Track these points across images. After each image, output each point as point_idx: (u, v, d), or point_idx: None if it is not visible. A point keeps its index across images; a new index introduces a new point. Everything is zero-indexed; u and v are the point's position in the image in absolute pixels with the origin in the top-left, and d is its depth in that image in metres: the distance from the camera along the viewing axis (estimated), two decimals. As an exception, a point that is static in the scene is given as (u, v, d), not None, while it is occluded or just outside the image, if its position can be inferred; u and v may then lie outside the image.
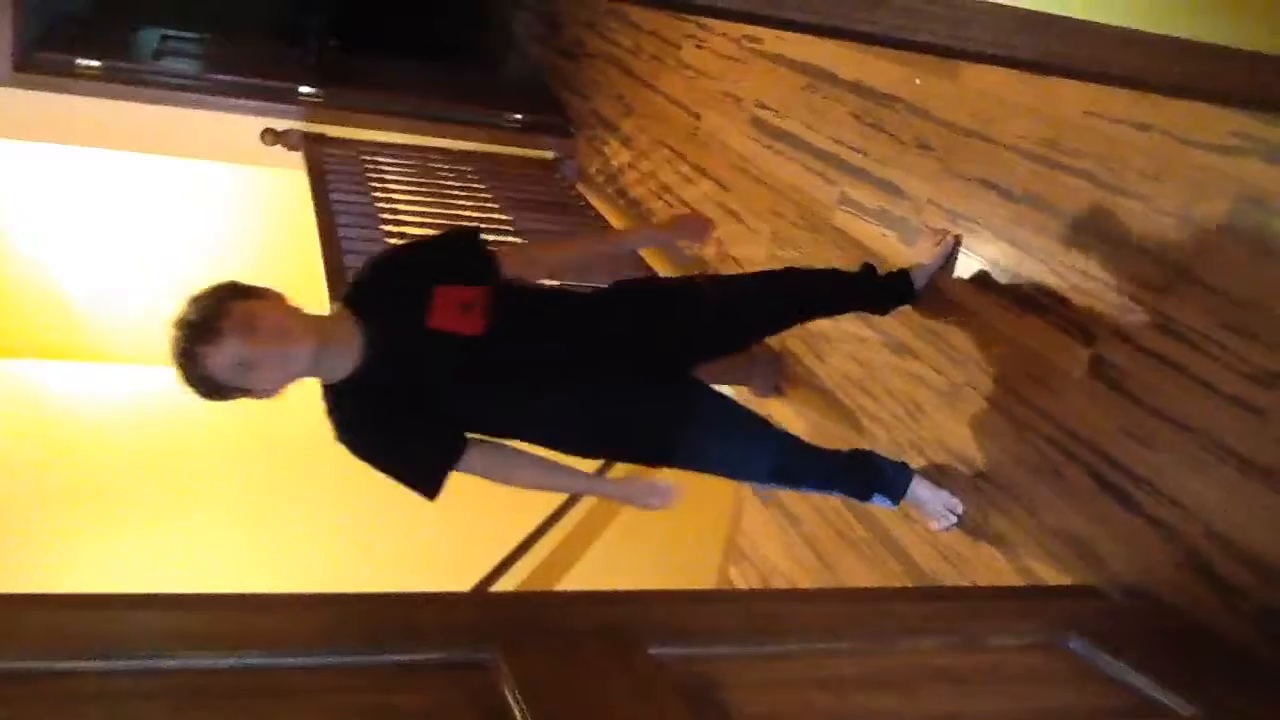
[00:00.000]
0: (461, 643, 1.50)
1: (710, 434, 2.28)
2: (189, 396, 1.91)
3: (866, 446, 2.85)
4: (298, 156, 4.99)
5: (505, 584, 3.94)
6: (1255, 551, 1.86)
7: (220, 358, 1.84)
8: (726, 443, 2.30)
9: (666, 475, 2.30)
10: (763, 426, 2.40)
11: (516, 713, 1.36)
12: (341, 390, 2.04)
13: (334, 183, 4.54)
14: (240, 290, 1.94)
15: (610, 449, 2.38)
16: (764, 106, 3.68)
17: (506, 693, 1.39)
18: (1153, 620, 1.98)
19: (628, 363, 2.25)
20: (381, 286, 2.14)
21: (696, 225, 2.52)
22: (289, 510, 4.58)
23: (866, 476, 2.55)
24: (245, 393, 1.92)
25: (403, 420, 2.07)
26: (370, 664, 1.44)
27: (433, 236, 2.40)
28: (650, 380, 2.28)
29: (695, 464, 2.31)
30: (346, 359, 2.00)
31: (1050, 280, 2.37)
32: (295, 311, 1.99)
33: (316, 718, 1.31)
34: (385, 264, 2.22)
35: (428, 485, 2.10)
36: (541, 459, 2.22)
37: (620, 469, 2.80)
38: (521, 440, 2.19)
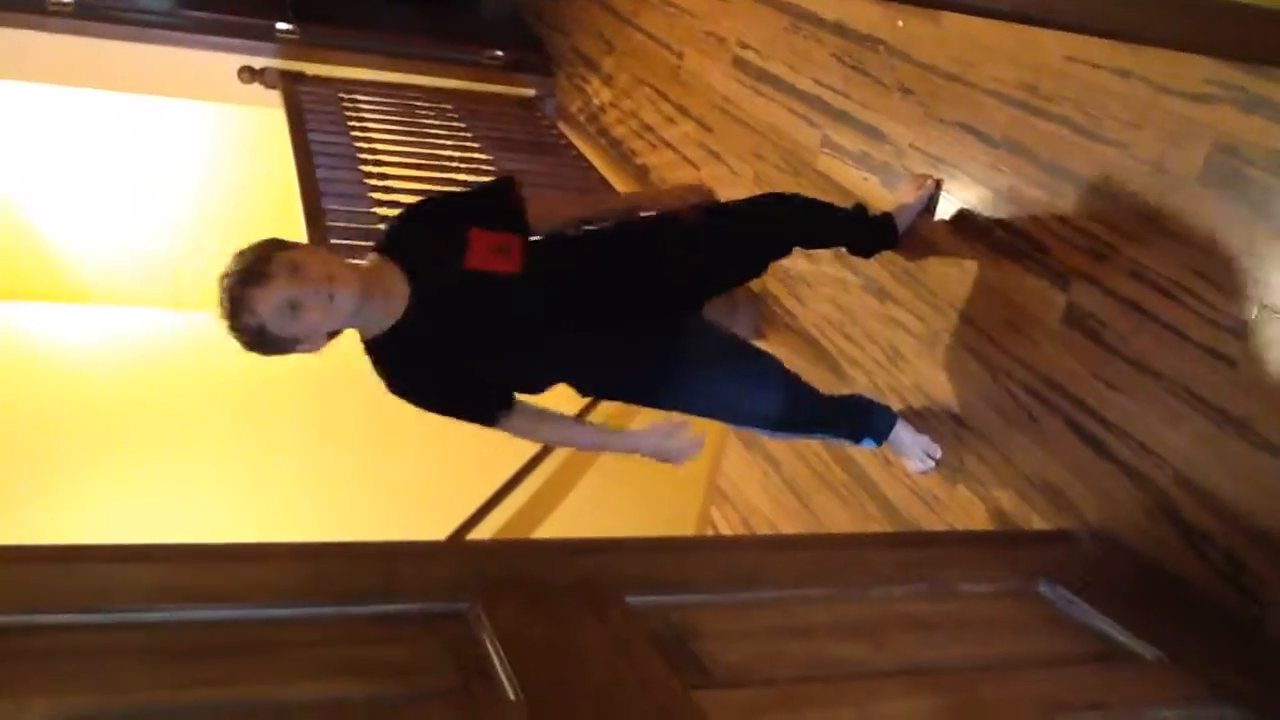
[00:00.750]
0: (441, 593, 1.52)
1: (728, 377, 2.34)
2: (237, 347, 1.94)
3: (844, 390, 2.87)
4: (276, 95, 4.92)
5: (484, 529, 3.96)
6: (1223, 499, 1.90)
7: (269, 300, 1.87)
8: (737, 394, 2.33)
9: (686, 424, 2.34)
10: (775, 373, 2.42)
11: (496, 663, 1.38)
12: (387, 342, 2.06)
13: (312, 122, 4.49)
14: (283, 242, 1.97)
15: (635, 391, 2.40)
16: (746, 46, 3.64)
17: (486, 643, 1.42)
18: (1122, 566, 2.02)
19: (656, 301, 2.30)
20: (416, 235, 2.16)
21: (703, 193, 2.54)
22: (266, 455, 4.59)
23: (859, 420, 2.58)
24: (293, 344, 1.95)
25: (454, 369, 2.11)
26: (351, 615, 1.46)
27: (465, 189, 2.43)
28: (675, 319, 2.34)
29: (706, 408, 2.37)
30: (392, 308, 2.03)
31: (1028, 226, 2.37)
32: (338, 258, 2.03)
33: (298, 670, 1.33)
34: (418, 213, 2.25)
35: (488, 420, 2.17)
36: (572, 419, 2.31)
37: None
38: (557, 382, 2.25)
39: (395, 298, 2.03)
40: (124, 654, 1.29)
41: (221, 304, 1.91)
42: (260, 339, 1.92)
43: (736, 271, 2.61)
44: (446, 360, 2.10)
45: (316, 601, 1.45)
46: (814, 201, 2.74)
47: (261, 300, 1.87)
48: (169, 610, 1.37)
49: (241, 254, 1.93)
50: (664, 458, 2.28)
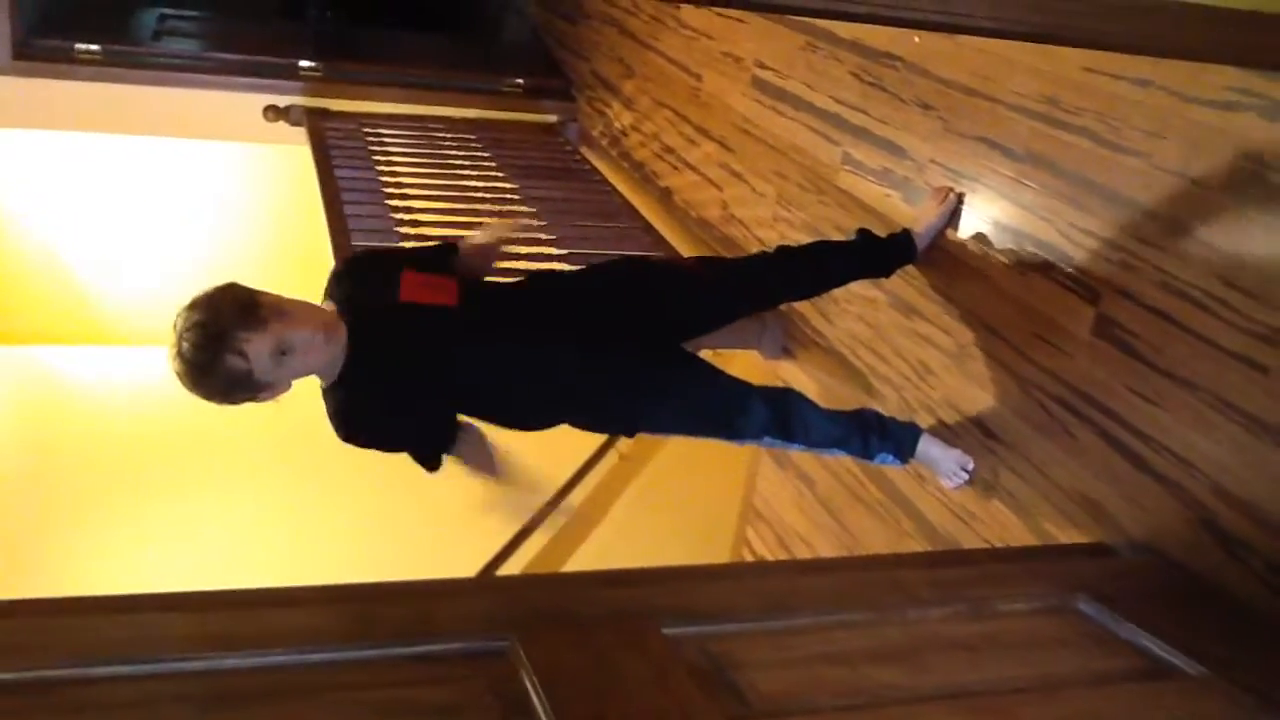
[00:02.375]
0: (478, 631, 1.53)
1: (676, 402, 2.38)
2: (194, 395, 1.97)
3: (875, 407, 2.86)
4: (301, 132, 4.98)
5: (516, 562, 3.97)
6: (1262, 508, 1.88)
7: (263, 344, 1.90)
8: (695, 409, 2.37)
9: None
10: (744, 391, 2.42)
11: (535, 700, 1.39)
12: (336, 389, 2.12)
13: (337, 158, 4.54)
14: (244, 287, 2.01)
15: (576, 417, 2.41)
16: (764, 66, 3.65)
17: (525, 679, 1.42)
18: (1162, 578, 2.00)
19: (601, 332, 2.32)
20: (352, 279, 2.24)
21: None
22: (292, 493, 4.63)
23: (870, 435, 2.57)
24: (263, 390, 1.99)
25: (398, 409, 2.17)
26: (388, 657, 1.47)
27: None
28: (626, 351, 2.35)
29: (668, 430, 2.41)
30: (339, 351, 2.08)
31: (1054, 239, 2.37)
32: (310, 303, 2.09)
33: (339, 713, 1.35)
34: (354, 261, 2.40)
35: (430, 465, 2.27)
36: None
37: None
38: (493, 419, 2.29)
39: (343, 341, 2.08)
40: (169, 703, 1.31)
41: (198, 347, 1.90)
42: (238, 384, 1.94)
43: (708, 321, 2.63)
44: (390, 402, 2.15)
45: (355, 644, 1.47)
46: (809, 252, 2.76)
47: (255, 343, 1.89)
48: (211, 659, 1.39)
49: (212, 298, 1.95)
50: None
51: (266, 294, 1.99)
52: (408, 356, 2.15)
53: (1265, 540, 1.87)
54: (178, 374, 1.96)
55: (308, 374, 2.07)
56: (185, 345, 1.92)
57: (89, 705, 1.29)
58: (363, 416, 2.16)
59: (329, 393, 2.14)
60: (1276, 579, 1.84)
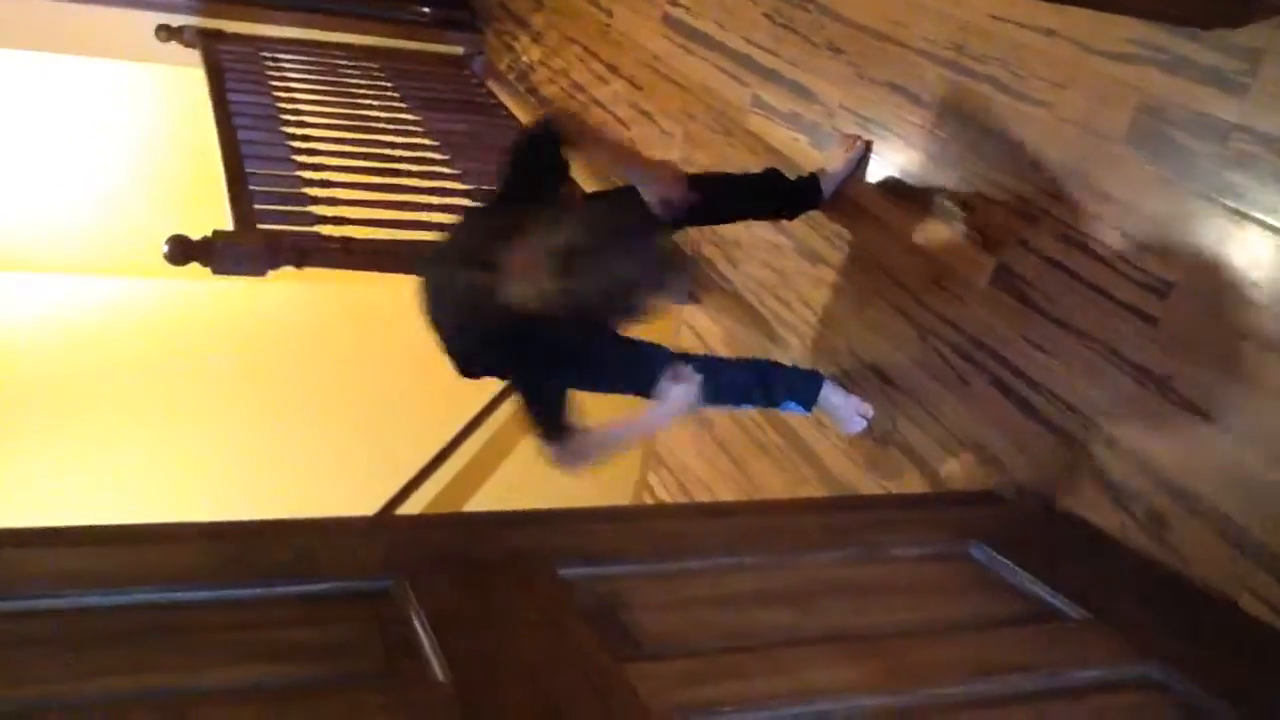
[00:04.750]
0: (366, 571, 1.49)
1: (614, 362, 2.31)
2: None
3: (779, 353, 2.87)
4: (195, 54, 4.77)
5: (415, 503, 3.91)
6: (1148, 458, 1.92)
7: None
8: (628, 369, 2.31)
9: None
10: (661, 352, 2.40)
11: (424, 641, 1.35)
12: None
13: (232, 81, 4.35)
14: None
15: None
16: (676, 4, 3.59)
17: (414, 621, 1.39)
18: (1050, 525, 2.04)
19: None
20: None
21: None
22: (195, 428, 4.49)
23: (777, 385, 2.57)
24: None
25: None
26: (269, 596, 1.42)
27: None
28: None
29: (609, 386, 2.35)
30: None
31: (957, 187, 2.37)
32: None
33: (212, 655, 1.29)
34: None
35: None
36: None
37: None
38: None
39: None
40: (28, 644, 1.24)
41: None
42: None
43: None
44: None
45: (232, 583, 1.41)
46: (721, 178, 2.72)
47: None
48: (74, 596, 1.32)
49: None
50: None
51: None
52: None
53: (1150, 489, 1.91)
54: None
55: None
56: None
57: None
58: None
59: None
60: (1159, 527, 1.89)
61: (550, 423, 2.16)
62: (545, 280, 1.83)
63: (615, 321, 2.15)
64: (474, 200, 3.44)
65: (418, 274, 2.18)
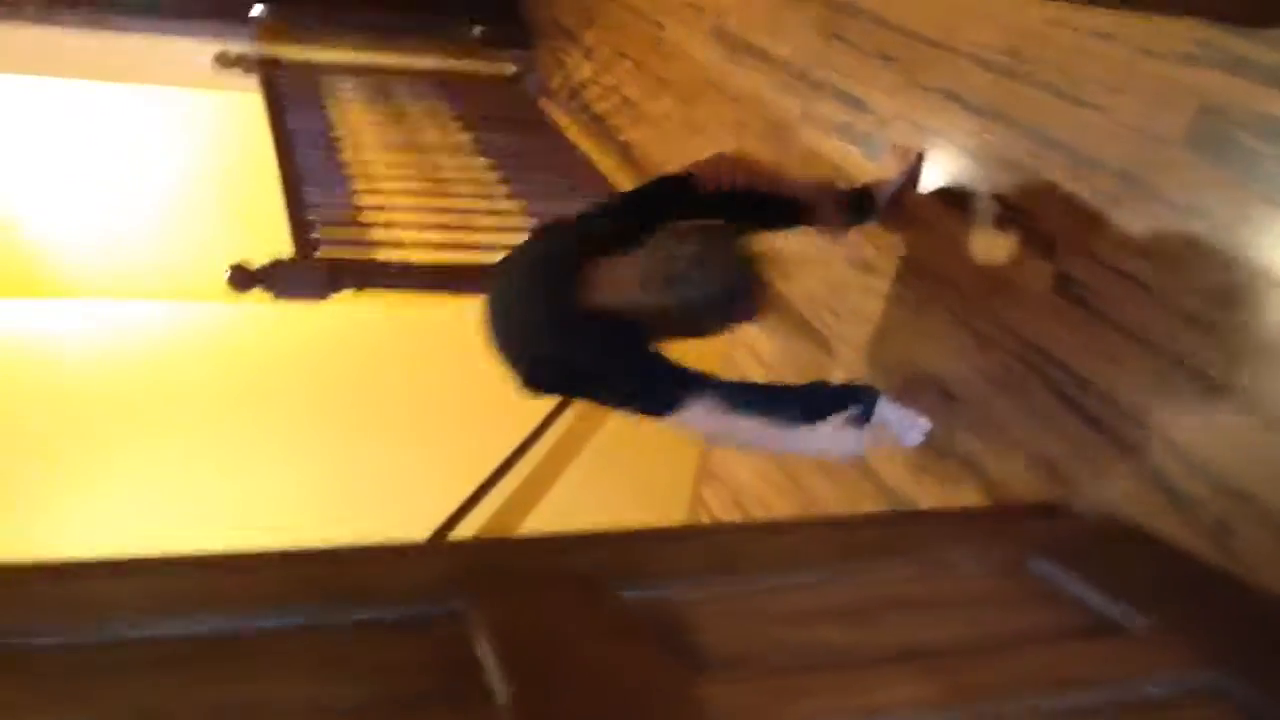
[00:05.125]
0: (429, 595, 1.51)
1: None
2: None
3: (835, 368, 2.85)
4: (253, 80, 4.87)
5: (471, 524, 3.93)
6: (1212, 466, 1.89)
7: None
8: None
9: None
10: (711, 381, 2.40)
11: (487, 664, 1.36)
12: None
13: (290, 107, 4.44)
14: None
15: None
16: (726, 16, 3.59)
17: (476, 644, 1.40)
18: (1113, 535, 2.01)
19: None
20: None
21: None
22: (246, 452, 4.55)
23: (830, 405, 2.55)
24: None
25: None
26: (339, 621, 1.44)
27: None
28: None
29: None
30: None
31: (1014, 194, 2.35)
32: None
33: (288, 679, 1.32)
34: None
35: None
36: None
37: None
38: None
39: None
40: (103, 671, 1.28)
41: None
42: None
43: None
44: None
45: (302, 609, 1.44)
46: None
47: None
48: (146, 626, 1.35)
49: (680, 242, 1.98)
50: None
51: None
52: None
53: (1214, 497, 1.88)
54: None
55: None
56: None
57: (19, 673, 1.25)
58: None
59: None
60: (1224, 535, 1.85)
61: (656, 394, 2.15)
62: (641, 292, 1.90)
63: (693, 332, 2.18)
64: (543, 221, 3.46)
65: (492, 282, 2.22)
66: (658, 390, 2.14)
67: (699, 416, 2.19)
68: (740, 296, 2.01)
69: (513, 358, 2.18)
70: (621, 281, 1.98)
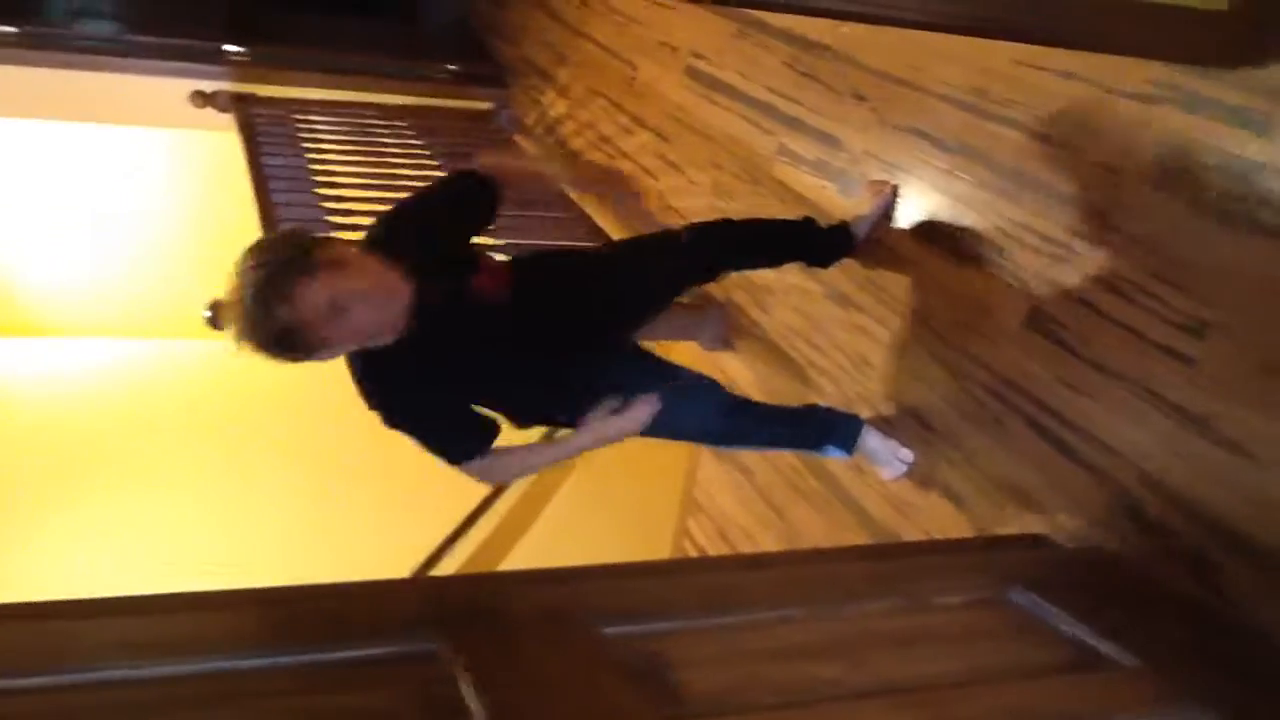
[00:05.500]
0: (408, 634, 1.50)
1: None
2: (250, 352, 1.79)
3: (814, 399, 2.87)
4: (229, 118, 4.87)
5: (453, 561, 3.92)
6: (1188, 497, 1.91)
7: (314, 295, 1.74)
8: (670, 409, 2.30)
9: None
10: (706, 390, 2.41)
11: (470, 704, 1.36)
12: (378, 357, 1.96)
13: (265, 144, 4.45)
14: (313, 236, 1.86)
15: (572, 416, 2.32)
16: (699, 55, 3.64)
17: (457, 682, 1.40)
18: (1092, 568, 2.03)
19: (600, 326, 2.32)
20: (410, 236, 2.08)
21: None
22: (224, 491, 4.53)
23: (817, 430, 2.58)
24: (316, 350, 1.83)
25: (443, 393, 2.07)
26: (319, 662, 1.44)
27: (427, 191, 2.34)
28: (604, 347, 2.34)
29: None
30: (397, 318, 1.92)
31: (986, 230, 2.38)
32: (377, 260, 1.90)
33: (268, 723, 1.31)
34: (406, 213, 2.18)
35: (458, 456, 2.13)
36: (520, 446, 2.22)
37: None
38: (502, 411, 2.20)
39: (402, 307, 1.91)
40: (87, 714, 1.27)
41: (250, 297, 1.74)
42: (286, 339, 1.77)
43: (664, 297, 2.63)
44: (438, 384, 2.05)
45: (280, 650, 1.43)
46: (752, 225, 2.75)
47: (304, 296, 1.74)
48: (130, 668, 1.35)
49: (272, 243, 1.81)
50: (623, 433, 2.20)
51: (329, 241, 1.84)
52: (468, 359, 2.06)
53: (1191, 529, 1.90)
54: (236, 323, 1.78)
55: (365, 338, 1.90)
56: (242, 292, 1.76)
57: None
58: (402, 398, 2.04)
59: (366, 359, 1.98)
60: (1203, 568, 1.87)
61: (452, 446, 2.12)
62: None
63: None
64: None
65: None
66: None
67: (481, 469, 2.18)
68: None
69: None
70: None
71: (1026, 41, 2.05)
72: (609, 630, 1.56)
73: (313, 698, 1.38)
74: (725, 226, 2.69)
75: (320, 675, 1.42)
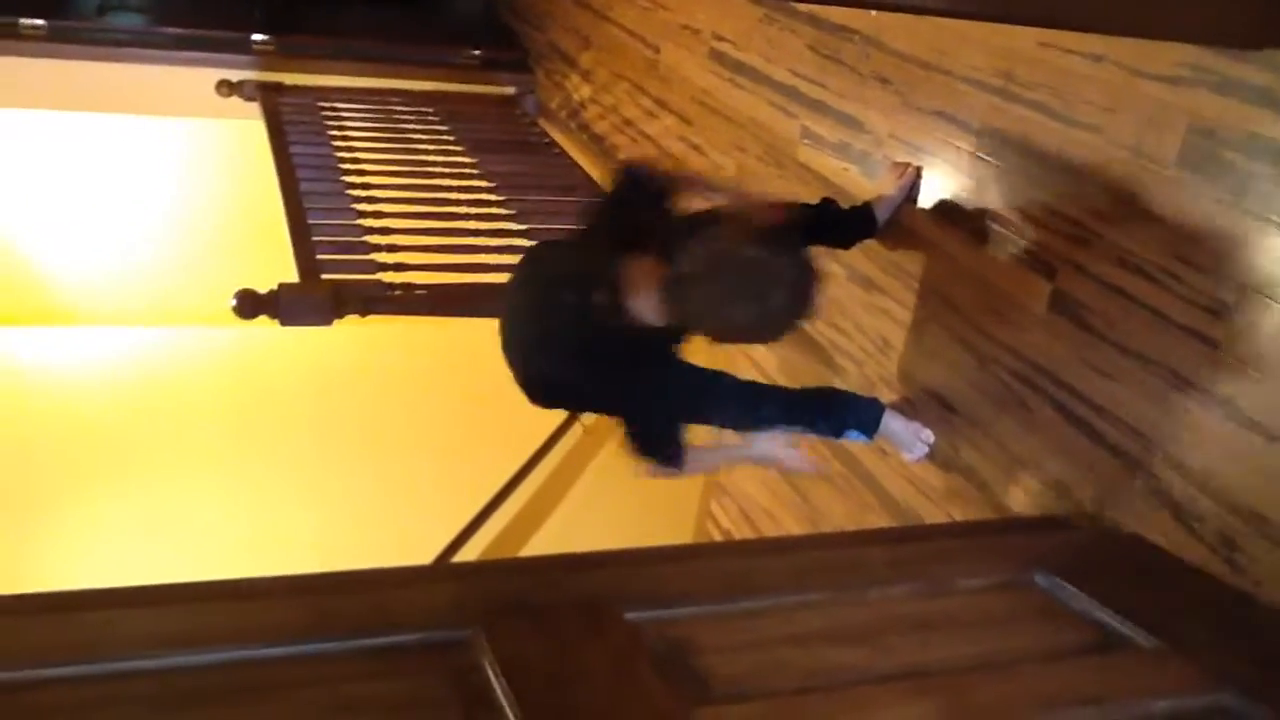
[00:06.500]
0: (439, 621, 1.53)
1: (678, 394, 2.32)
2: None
3: (838, 382, 2.88)
4: (255, 107, 4.91)
5: (476, 545, 3.94)
6: (1213, 479, 1.91)
7: None
8: (693, 401, 2.33)
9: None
10: (727, 381, 2.42)
11: (498, 690, 1.38)
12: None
13: (292, 133, 4.48)
14: None
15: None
16: (722, 39, 3.63)
17: (487, 669, 1.42)
18: (1116, 551, 2.03)
19: None
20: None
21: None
22: (247, 478, 4.57)
23: (839, 414, 2.58)
24: None
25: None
26: (348, 650, 1.46)
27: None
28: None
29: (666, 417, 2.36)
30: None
31: (1010, 213, 2.38)
32: None
33: (298, 711, 1.34)
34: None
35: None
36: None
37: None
38: None
39: None
40: (122, 704, 1.30)
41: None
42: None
43: None
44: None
45: (313, 638, 1.45)
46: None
47: None
48: (164, 657, 1.37)
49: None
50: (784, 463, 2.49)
51: None
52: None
53: (1216, 511, 1.90)
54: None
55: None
56: None
57: (34, 711, 1.27)
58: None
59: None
60: (1228, 550, 1.87)
61: (657, 443, 2.24)
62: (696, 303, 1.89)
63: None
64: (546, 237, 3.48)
65: (504, 301, 2.25)
66: (653, 445, 2.24)
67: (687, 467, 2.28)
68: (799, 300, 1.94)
69: (530, 374, 2.21)
70: (655, 284, 1.95)
71: (1052, 27, 2.04)
72: (634, 616, 1.58)
73: (344, 686, 1.40)
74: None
75: (351, 663, 1.44)
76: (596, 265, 2.06)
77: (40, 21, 4.88)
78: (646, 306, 1.98)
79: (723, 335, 2.06)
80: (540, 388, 2.26)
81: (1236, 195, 1.86)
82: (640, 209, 2.21)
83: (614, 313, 2.01)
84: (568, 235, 2.45)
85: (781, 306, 1.90)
